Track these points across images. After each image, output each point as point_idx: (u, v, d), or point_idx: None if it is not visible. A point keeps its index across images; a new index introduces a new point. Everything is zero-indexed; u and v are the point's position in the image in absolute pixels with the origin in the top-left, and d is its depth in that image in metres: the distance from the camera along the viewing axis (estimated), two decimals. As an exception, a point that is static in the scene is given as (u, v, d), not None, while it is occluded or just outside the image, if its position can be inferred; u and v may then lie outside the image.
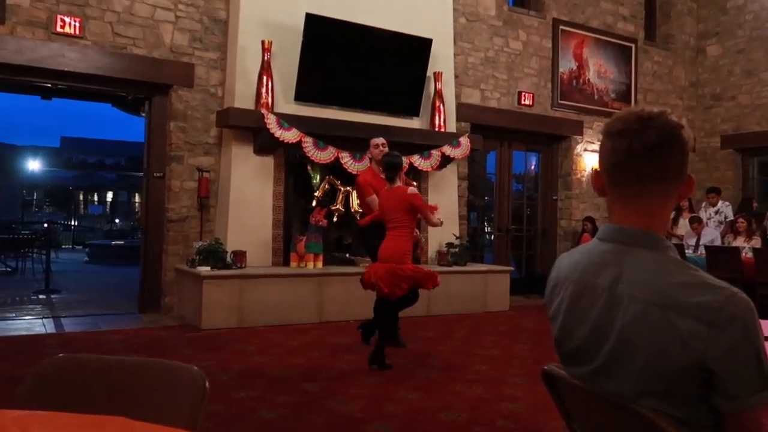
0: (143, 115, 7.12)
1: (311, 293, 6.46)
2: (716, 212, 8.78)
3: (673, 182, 1.19)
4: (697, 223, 8.21)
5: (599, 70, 9.71)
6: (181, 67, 6.72)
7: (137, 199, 24.56)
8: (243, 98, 6.66)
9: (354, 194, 7.14)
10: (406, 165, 7.15)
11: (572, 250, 1.36)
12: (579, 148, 9.62)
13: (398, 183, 4.80)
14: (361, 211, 5.53)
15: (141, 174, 7.48)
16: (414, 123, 7.73)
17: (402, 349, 5.24)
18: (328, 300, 6.54)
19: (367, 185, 5.25)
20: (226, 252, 6.36)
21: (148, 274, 6.80)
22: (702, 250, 7.72)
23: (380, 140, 5.39)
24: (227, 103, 6.81)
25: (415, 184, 7.42)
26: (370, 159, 5.50)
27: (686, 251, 7.76)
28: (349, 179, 7.22)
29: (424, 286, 4.74)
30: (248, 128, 6.63)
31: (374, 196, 5.13)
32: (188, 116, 6.79)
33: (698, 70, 10.78)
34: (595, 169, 1.30)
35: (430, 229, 7.80)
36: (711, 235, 8.09)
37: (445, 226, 7.76)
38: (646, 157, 1.17)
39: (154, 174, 6.82)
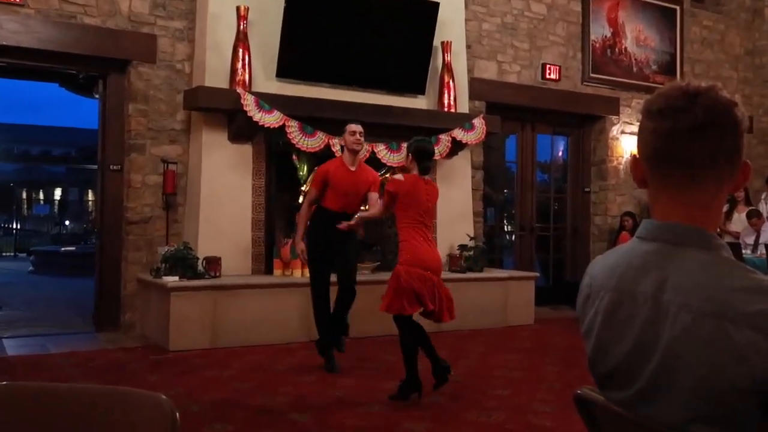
0: (97, 96, 7.12)
1: (299, 307, 6.47)
2: (779, 205, 8.78)
3: (725, 169, 1.20)
4: (755, 218, 8.21)
5: (638, 38, 9.71)
6: (140, 38, 6.72)
7: (90, 197, 24.59)
8: (215, 75, 6.67)
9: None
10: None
11: (608, 253, 1.36)
12: (615, 130, 9.62)
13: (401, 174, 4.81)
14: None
15: (95, 167, 7.48)
16: (418, 102, 7.73)
17: (401, 375, 5.24)
18: (319, 314, 6.55)
19: (318, 177, 5.33)
20: (197, 259, 6.38)
21: (104, 285, 6.81)
22: (762, 250, 7.72)
23: (358, 127, 5.42)
24: (196, 81, 6.81)
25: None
26: (342, 147, 5.53)
27: (743, 251, 7.76)
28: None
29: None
30: (222, 111, 6.64)
31: (312, 193, 5.34)
32: (150, 97, 6.79)
33: (755, 36, 10.77)
34: (634, 155, 1.30)
35: (440, 228, 7.80)
36: (773, 231, 8.09)
37: (458, 225, 7.77)
38: (693, 139, 1.17)
39: (111, 167, 6.82)
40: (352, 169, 5.34)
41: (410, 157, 4.72)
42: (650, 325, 1.18)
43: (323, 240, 5.30)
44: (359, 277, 6.88)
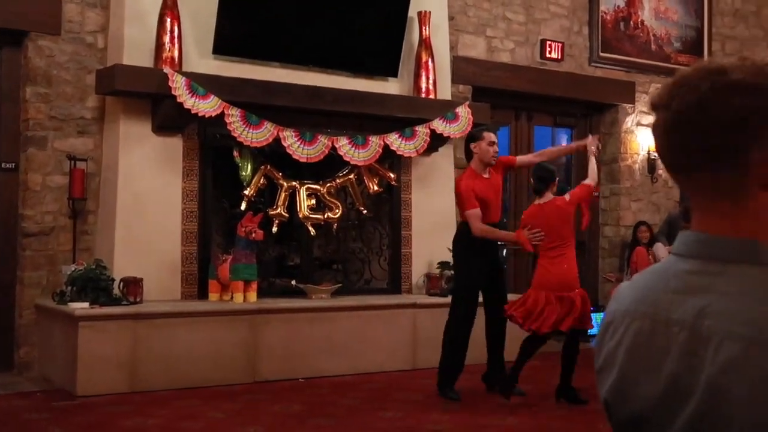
0: (-15, 76, 7.04)
1: (240, 340, 6.45)
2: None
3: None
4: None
5: (658, 9, 9.88)
6: (40, 3, 6.66)
7: (-26, 201, 24.21)
8: (136, 51, 6.64)
9: (303, 193, 7.15)
10: (380, 148, 7.26)
11: (638, 275, 1.38)
12: (630, 121, 9.77)
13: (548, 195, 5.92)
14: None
15: (-18, 164, 7.37)
16: (390, 87, 7.78)
17: (366, 424, 5.29)
18: (266, 349, 6.54)
19: (470, 195, 6.00)
20: (113, 280, 6.33)
21: (-6, 314, 6.72)
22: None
23: (495, 136, 6.18)
24: (112, 58, 6.78)
25: (392, 176, 7.51)
26: (474, 154, 6.13)
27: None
28: (296, 170, 7.23)
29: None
30: (144, 95, 6.61)
31: (478, 210, 5.98)
32: (53, 78, 6.74)
33: (798, 9, 11.03)
34: None
35: (415, 241, 7.85)
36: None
37: (437, 238, 7.81)
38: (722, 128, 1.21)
39: (2, 165, 6.76)
40: (486, 176, 6.13)
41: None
42: (687, 358, 1.18)
43: (479, 266, 6.07)
44: (314, 304, 6.93)
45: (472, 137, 6.28)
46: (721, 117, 1.21)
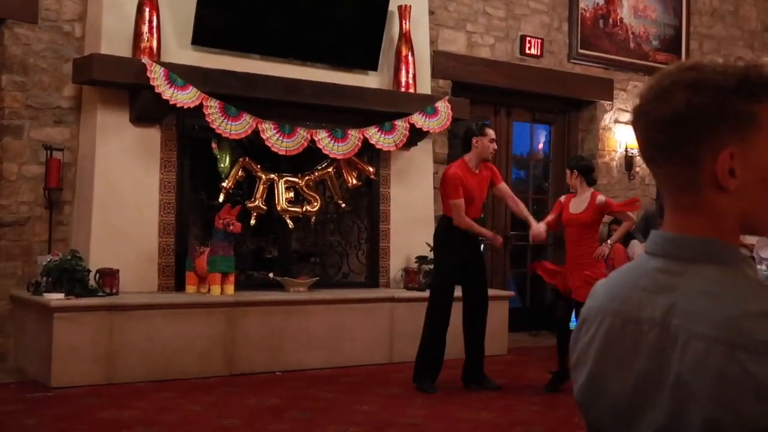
0: (-40, 63, 6.97)
1: (218, 332, 6.45)
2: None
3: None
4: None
5: (637, 7, 9.94)
6: (18, -9, 6.62)
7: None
8: (114, 41, 6.61)
9: (281, 186, 7.15)
10: (360, 142, 7.27)
11: (614, 272, 1.40)
12: (608, 118, 9.83)
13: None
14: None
15: (-44, 153, 7.31)
16: (369, 80, 7.78)
17: (342, 418, 5.31)
18: (243, 342, 6.54)
19: (457, 184, 6.01)
20: (89, 271, 6.31)
21: (-33, 304, 6.68)
22: (780, 266, 7.97)
23: (494, 133, 6.31)
24: (90, 47, 6.74)
25: (371, 169, 7.53)
26: (473, 148, 6.15)
27: (758, 267, 8.02)
28: (275, 162, 7.23)
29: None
30: (122, 85, 6.59)
31: (462, 201, 6.00)
32: (29, 66, 6.70)
33: (775, 9, 11.14)
34: None
35: (393, 236, 7.87)
36: (793, 244, 8.36)
37: (415, 233, 7.84)
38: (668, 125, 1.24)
39: (-23, 153, 6.71)
40: (476, 172, 6.18)
41: (575, 173, 6.21)
42: (656, 357, 1.21)
43: (458, 260, 6.11)
44: (291, 297, 6.94)
45: (473, 131, 6.26)
46: (668, 113, 1.23)
